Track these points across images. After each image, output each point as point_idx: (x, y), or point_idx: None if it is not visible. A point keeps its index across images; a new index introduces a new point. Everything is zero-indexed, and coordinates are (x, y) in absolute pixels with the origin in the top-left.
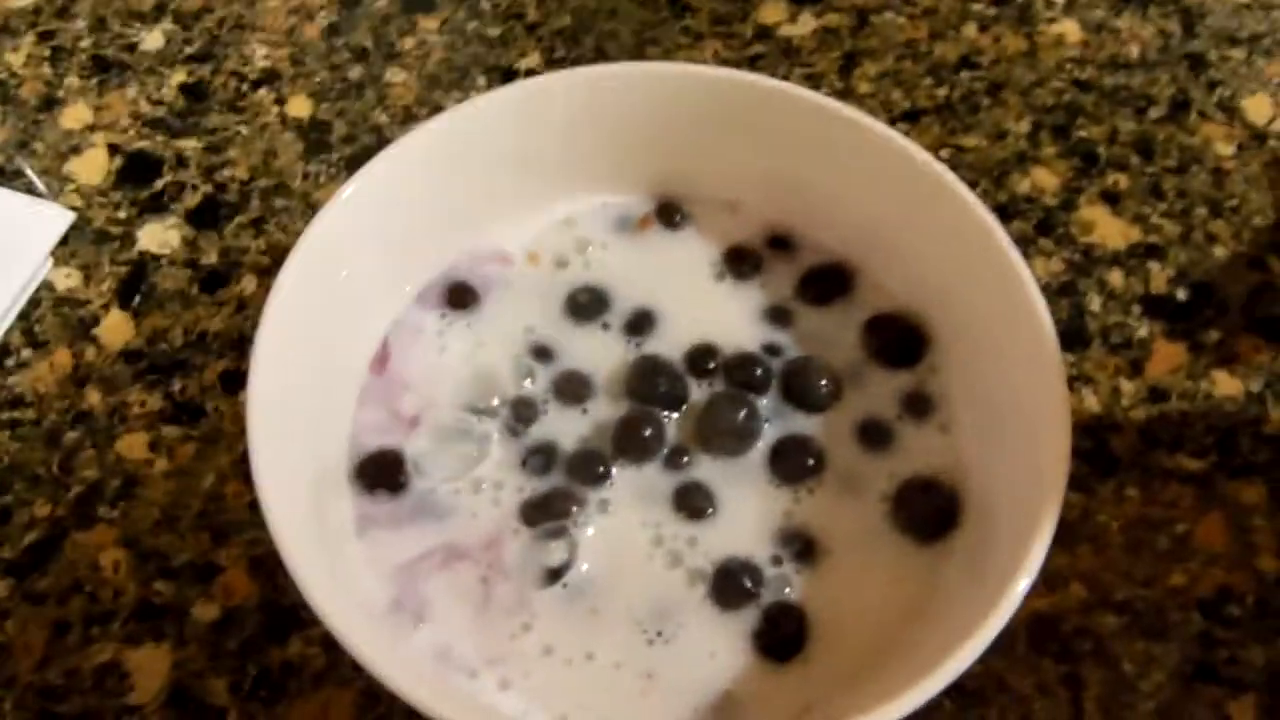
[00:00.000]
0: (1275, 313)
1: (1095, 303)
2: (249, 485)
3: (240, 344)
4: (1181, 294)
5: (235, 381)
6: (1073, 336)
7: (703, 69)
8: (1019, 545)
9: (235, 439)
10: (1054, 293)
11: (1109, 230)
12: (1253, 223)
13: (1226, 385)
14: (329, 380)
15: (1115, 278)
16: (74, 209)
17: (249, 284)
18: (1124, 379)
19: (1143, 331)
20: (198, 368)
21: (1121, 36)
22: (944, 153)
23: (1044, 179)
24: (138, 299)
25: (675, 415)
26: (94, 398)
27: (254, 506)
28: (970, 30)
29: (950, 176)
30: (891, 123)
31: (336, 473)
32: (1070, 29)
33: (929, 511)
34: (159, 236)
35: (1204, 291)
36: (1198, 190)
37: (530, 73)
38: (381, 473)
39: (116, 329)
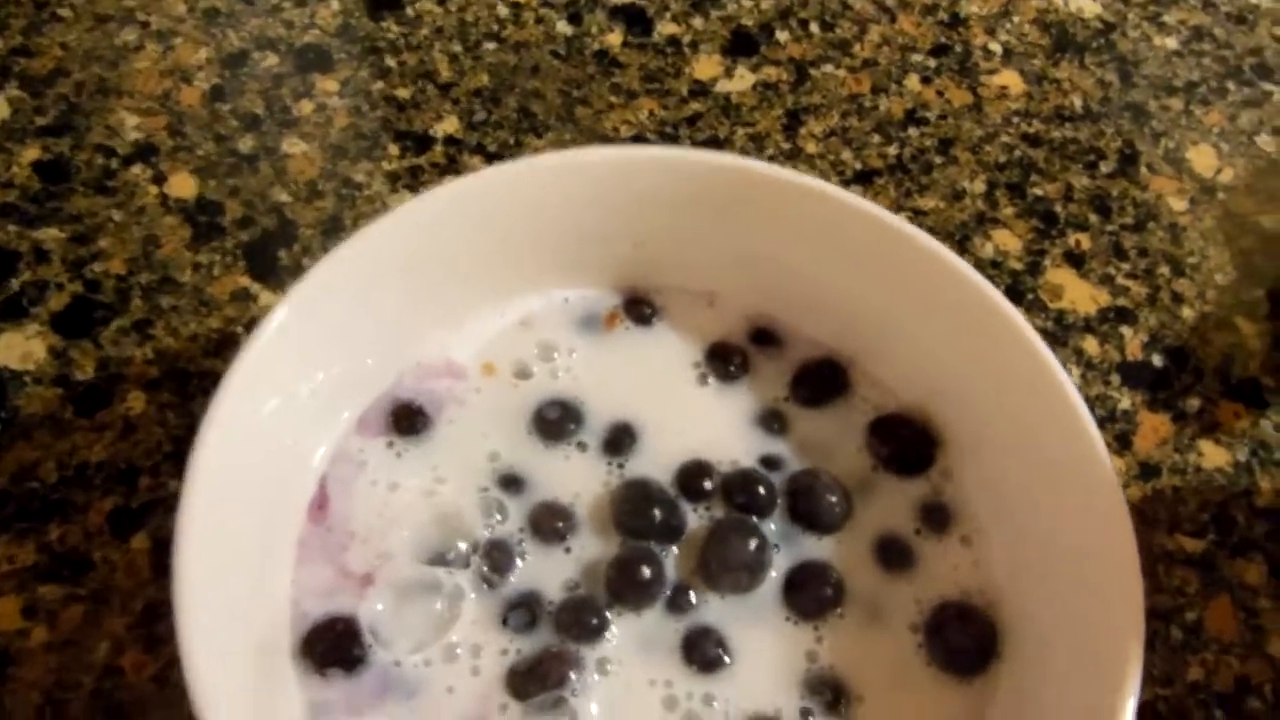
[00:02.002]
0: (1249, 375)
1: (1074, 374)
2: (151, 654)
3: (130, 476)
4: (1158, 360)
5: (126, 523)
6: None
7: (667, 150)
8: (1098, 675)
9: (131, 595)
10: None
11: (1078, 294)
12: (1215, 280)
13: (1214, 455)
14: (262, 536)
15: (1091, 345)
16: None
17: (135, 402)
18: (1114, 456)
19: (1125, 403)
20: (79, 509)
21: (1063, 87)
22: (902, 216)
23: (1007, 241)
24: None
25: (674, 549)
26: None
27: (161, 680)
28: (913, 83)
29: (950, 255)
30: (845, 185)
31: (278, 650)
32: (1012, 80)
33: (966, 641)
34: (19, 349)
35: (1178, 356)
36: (1157, 248)
37: (449, 139)
38: (333, 646)
39: None
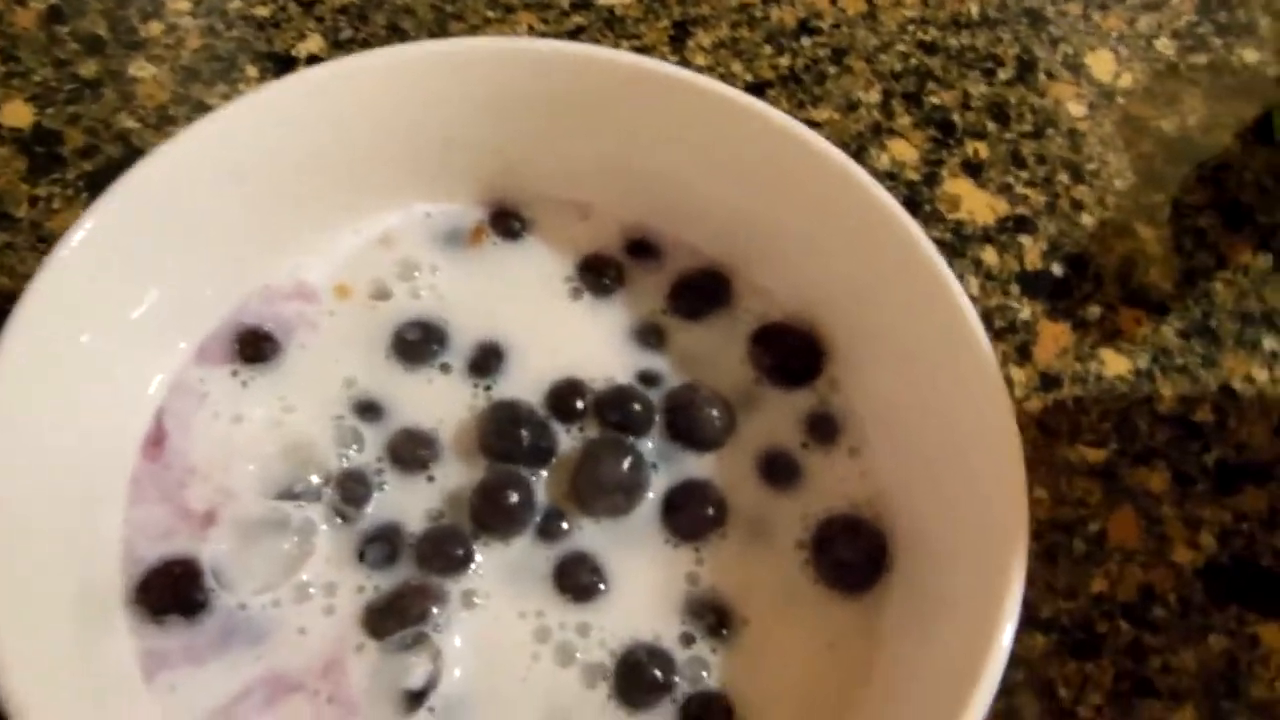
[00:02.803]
0: (1150, 282)
1: (973, 285)
2: None
3: None
4: (1057, 269)
5: None
6: None
7: (532, 43)
8: (983, 584)
9: None
10: None
11: (976, 204)
12: (1115, 186)
13: (1115, 364)
14: (85, 476)
15: (990, 255)
16: None
17: None
18: (1014, 367)
19: (1025, 313)
20: None
21: None
22: None
23: (903, 152)
24: None
25: (544, 472)
26: None
27: None
28: None
29: (844, 158)
30: None
31: (107, 598)
32: None
33: (854, 556)
34: None
35: (1078, 264)
36: (1056, 155)
37: (313, 59)
38: (170, 591)
39: None
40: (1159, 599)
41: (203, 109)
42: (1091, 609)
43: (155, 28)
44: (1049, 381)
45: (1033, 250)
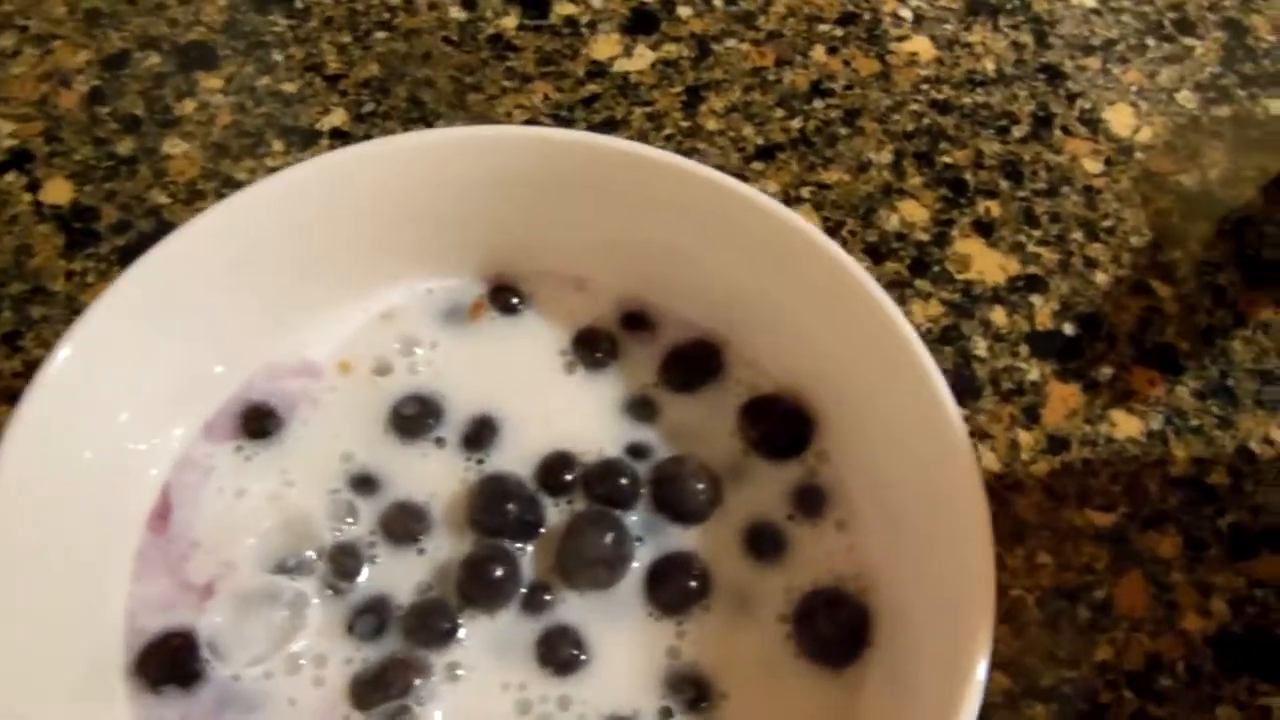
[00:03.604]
0: (1165, 340)
1: (981, 346)
2: None
3: None
4: (1068, 328)
5: None
6: (962, 387)
7: (528, 130)
8: (952, 656)
9: None
10: (936, 339)
11: (986, 264)
12: (1130, 243)
13: (1126, 425)
14: (95, 550)
15: (998, 316)
16: None
17: (2, 415)
18: (1021, 429)
19: (1034, 374)
20: None
21: (975, 51)
22: (805, 191)
23: (913, 212)
24: None
25: (530, 546)
26: None
27: None
28: (819, 54)
29: (820, 236)
30: (746, 161)
31: (109, 670)
32: (922, 46)
33: (836, 631)
34: None
35: (1091, 323)
36: (1070, 213)
37: (336, 132)
38: (169, 663)
39: None
40: (1167, 668)
41: (230, 184)
42: (1095, 678)
43: (189, 106)
44: (1057, 444)
45: (1044, 310)
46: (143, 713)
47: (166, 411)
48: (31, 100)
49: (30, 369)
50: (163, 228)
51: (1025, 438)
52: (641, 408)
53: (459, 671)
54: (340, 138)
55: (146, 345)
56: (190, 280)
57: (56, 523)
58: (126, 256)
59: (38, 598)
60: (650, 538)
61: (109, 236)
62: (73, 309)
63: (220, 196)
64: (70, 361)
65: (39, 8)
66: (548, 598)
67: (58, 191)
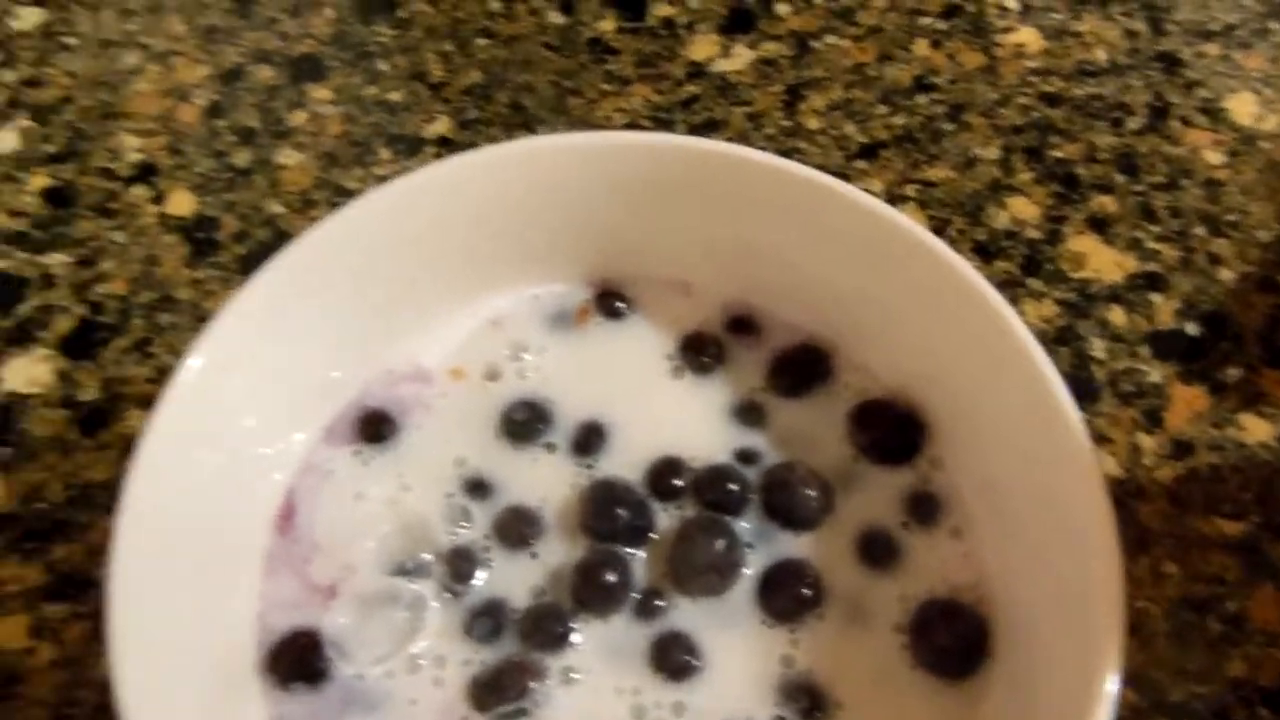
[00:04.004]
0: None
1: (1099, 347)
2: None
3: None
4: (1192, 328)
5: None
6: (1079, 389)
7: (631, 136)
8: (1080, 670)
9: None
10: (1051, 340)
11: (1102, 261)
12: (1257, 238)
13: (1256, 429)
14: (225, 550)
15: (1116, 316)
16: None
17: (137, 420)
18: (1142, 434)
19: (1155, 376)
20: (82, 528)
21: (1085, 40)
22: (910, 189)
23: (1023, 209)
24: (7, 451)
25: (642, 551)
26: None
27: None
28: (922, 48)
29: (927, 235)
30: (848, 160)
31: (243, 666)
32: (1029, 37)
33: (954, 641)
34: (27, 373)
35: (1215, 322)
36: (1191, 207)
37: (441, 140)
38: (297, 661)
39: None
40: None
41: (341, 192)
42: (1228, 694)
43: (300, 117)
44: (1181, 449)
45: (1165, 309)
46: (274, 709)
47: (288, 417)
48: (154, 115)
49: (161, 375)
50: (279, 236)
51: (1147, 442)
52: (749, 413)
53: (574, 675)
54: (445, 145)
55: (269, 353)
56: (308, 289)
57: (190, 524)
58: (246, 264)
59: (178, 595)
60: (761, 544)
61: (229, 245)
62: (198, 316)
63: (332, 205)
64: (200, 370)
65: (159, 26)
66: (660, 603)
67: (181, 203)
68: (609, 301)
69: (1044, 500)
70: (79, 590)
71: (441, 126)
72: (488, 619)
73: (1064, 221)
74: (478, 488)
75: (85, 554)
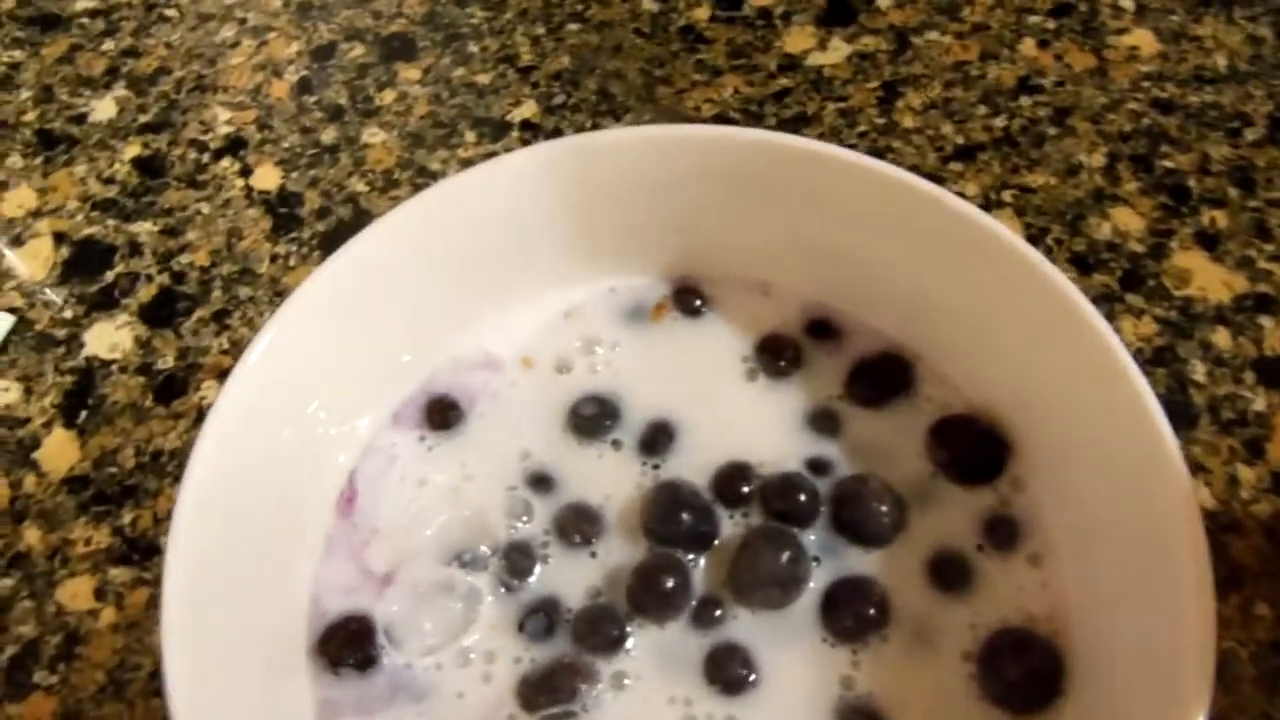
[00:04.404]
0: None
1: (1199, 370)
2: None
3: None
4: None
5: None
6: (1176, 414)
7: (719, 130)
8: (1161, 715)
9: None
10: (1148, 360)
11: (1209, 280)
12: None
13: None
14: (285, 529)
15: (1221, 338)
16: (13, 310)
17: (210, 391)
18: (1241, 464)
19: (1259, 404)
20: (151, 494)
21: (1205, 45)
22: (1007, 194)
23: (1127, 220)
24: (84, 414)
25: (703, 558)
26: (33, 536)
27: None
28: (1028, 47)
29: (1021, 244)
30: (943, 162)
31: (293, 647)
32: (1144, 39)
33: (1025, 675)
34: (109, 338)
35: None
36: None
37: (525, 124)
38: (347, 645)
39: (60, 451)
40: None
41: (424, 173)
42: None
43: (389, 96)
44: None
45: (1275, 334)
46: (322, 692)
47: (357, 399)
48: (247, 89)
49: (235, 347)
50: (360, 215)
51: (1246, 474)
52: (824, 421)
53: (626, 681)
54: (530, 130)
55: (342, 333)
56: (383, 272)
57: (252, 499)
58: (326, 242)
59: (233, 569)
60: (828, 559)
61: (310, 222)
62: (276, 290)
63: (415, 186)
64: (272, 347)
65: (256, 1)
66: (718, 613)
67: (267, 177)
68: (687, 298)
69: (1134, 530)
70: (144, 556)
71: (527, 110)
72: (541, 616)
73: (1170, 235)
74: (540, 482)
75: (152, 520)
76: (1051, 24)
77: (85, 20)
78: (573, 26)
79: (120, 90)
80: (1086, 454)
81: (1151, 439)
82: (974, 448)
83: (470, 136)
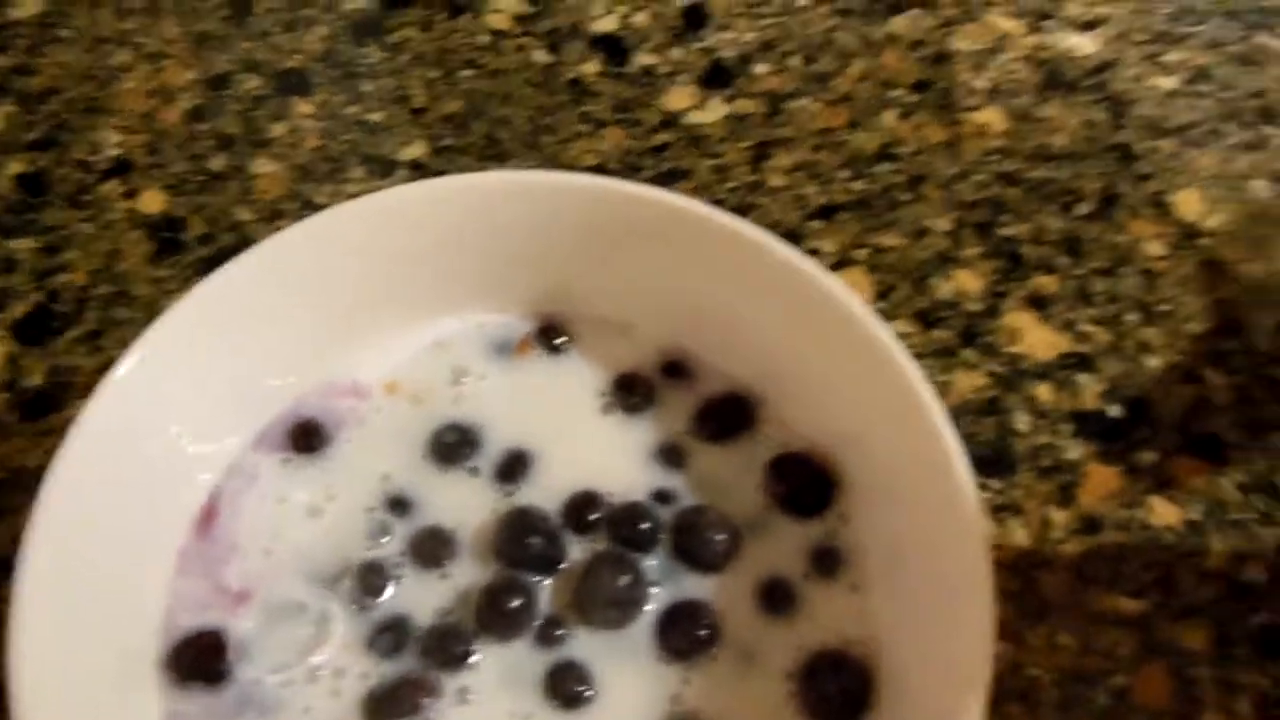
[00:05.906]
0: (1212, 430)
1: (1023, 421)
2: None
3: None
4: (1115, 410)
5: None
6: (998, 460)
7: (590, 180)
8: None
9: None
10: (977, 411)
11: (1036, 339)
12: (1186, 329)
13: (1165, 513)
14: (142, 545)
15: (1044, 392)
16: None
17: (77, 409)
18: (1054, 508)
19: (1074, 453)
20: (12, 512)
21: (1047, 125)
22: (861, 252)
23: (967, 281)
24: None
25: (549, 580)
26: None
27: None
28: (889, 118)
29: (857, 303)
30: (805, 219)
31: (142, 661)
32: (994, 117)
33: (839, 692)
34: None
35: (1138, 407)
36: (1128, 293)
37: (414, 164)
38: (197, 660)
39: None
40: None
41: (310, 206)
42: None
43: (280, 128)
44: (1091, 525)
45: (1090, 390)
46: (170, 705)
47: (223, 419)
48: (139, 113)
49: (107, 368)
50: (243, 243)
51: (1058, 516)
52: (671, 454)
53: (469, 696)
54: (418, 169)
55: (212, 355)
56: (257, 297)
57: (110, 516)
58: (207, 267)
59: (87, 582)
60: (666, 583)
61: (193, 247)
62: (153, 313)
63: (299, 217)
64: (139, 365)
65: (155, 28)
66: (560, 632)
67: (152, 201)
68: (550, 336)
69: (935, 568)
70: (2, 574)
71: (417, 150)
72: (390, 634)
73: (1004, 297)
74: (399, 505)
75: (10, 539)
76: (912, 98)
77: None
78: (466, 72)
79: (8, 106)
80: (901, 495)
81: (951, 482)
82: (806, 484)
83: (358, 172)
